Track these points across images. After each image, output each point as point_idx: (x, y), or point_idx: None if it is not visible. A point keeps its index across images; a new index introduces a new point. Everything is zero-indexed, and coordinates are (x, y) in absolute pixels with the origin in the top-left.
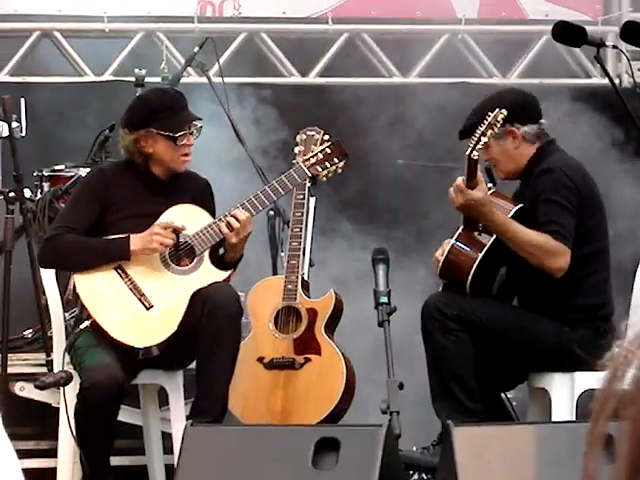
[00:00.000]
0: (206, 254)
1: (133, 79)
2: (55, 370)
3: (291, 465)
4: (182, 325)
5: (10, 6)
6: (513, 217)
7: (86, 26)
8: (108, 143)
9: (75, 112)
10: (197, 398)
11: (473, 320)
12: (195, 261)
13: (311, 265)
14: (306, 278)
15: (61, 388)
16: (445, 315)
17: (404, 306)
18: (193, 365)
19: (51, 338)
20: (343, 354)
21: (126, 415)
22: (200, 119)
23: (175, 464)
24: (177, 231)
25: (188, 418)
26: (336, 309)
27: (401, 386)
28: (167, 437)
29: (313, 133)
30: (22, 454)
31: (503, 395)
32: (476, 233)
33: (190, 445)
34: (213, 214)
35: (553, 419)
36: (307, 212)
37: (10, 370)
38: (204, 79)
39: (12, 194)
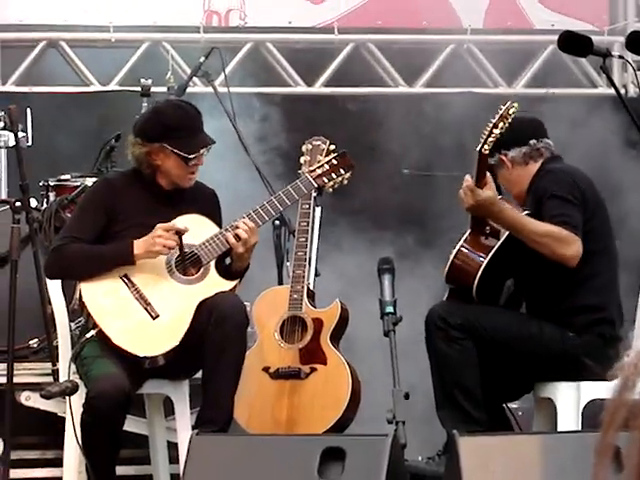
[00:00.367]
0: (212, 264)
1: (139, 89)
2: (61, 379)
3: (297, 475)
4: (188, 335)
5: (16, 16)
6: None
7: (92, 36)
8: (114, 153)
9: (81, 122)
10: (203, 407)
11: (477, 328)
12: (201, 271)
13: (317, 275)
14: (312, 288)
15: (67, 397)
16: (449, 324)
17: (410, 315)
18: (199, 375)
19: (57, 347)
20: (349, 364)
21: (132, 425)
22: (214, 142)
23: (181, 474)
24: (180, 233)
25: (194, 428)
26: (342, 319)
27: (407, 396)
28: (173, 446)
29: (319, 143)
30: (28, 463)
31: (506, 406)
32: (483, 237)
33: (196, 454)
34: (219, 224)
35: (559, 429)
36: (313, 222)
37: (16, 380)
38: (210, 89)
39: (18, 204)
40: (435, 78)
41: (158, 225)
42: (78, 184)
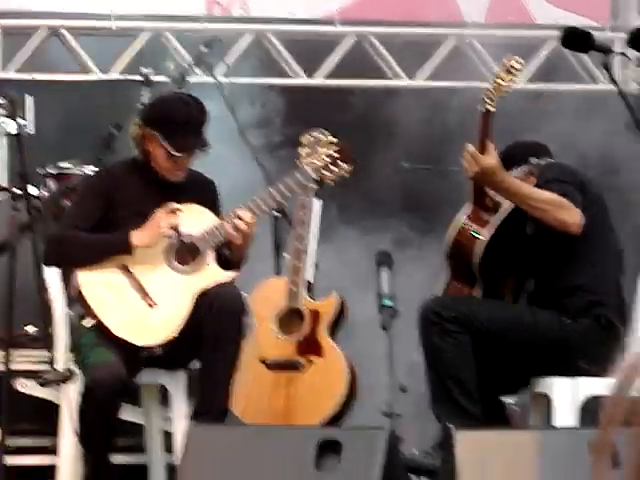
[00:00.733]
0: (211, 254)
1: (140, 78)
2: (58, 367)
3: (293, 466)
4: (186, 325)
5: (17, 2)
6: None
7: (93, 24)
8: (114, 141)
9: (82, 110)
10: (199, 398)
11: (472, 321)
12: (199, 261)
13: (316, 267)
14: (310, 280)
15: (63, 385)
16: (442, 317)
17: (409, 307)
18: (196, 364)
19: (54, 335)
20: (345, 356)
21: (128, 413)
22: (207, 146)
23: (177, 463)
24: (175, 212)
25: (190, 417)
26: (339, 312)
27: (404, 389)
28: (168, 436)
29: (319, 135)
30: (23, 451)
31: (506, 400)
32: (483, 211)
33: (192, 445)
34: (218, 215)
35: (555, 425)
36: (312, 214)
37: (13, 367)
38: (211, 79)
39: (18, 191)
40: (436, 72)
41: (157, 210)
42: (78, 172)
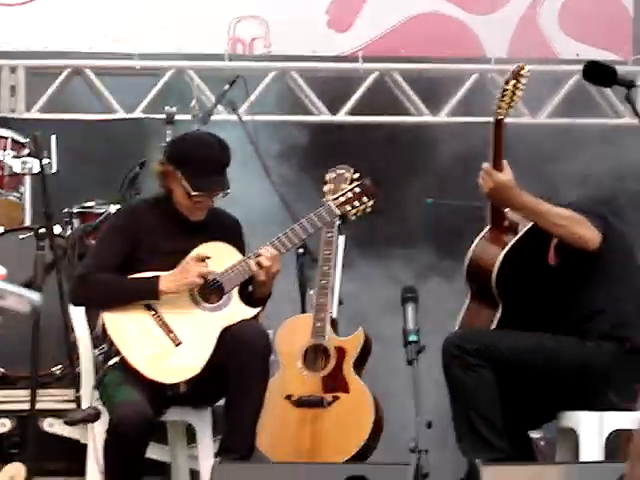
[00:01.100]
0: (235, 291)
1: (163, 116)
2: (84, 406)
3: None
4: (210, 362)
5: (41, 43)
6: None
7: (117, 63)
8: (138, 180)
9: (105, 149)
10: (225, 435)
11: (493, 352)
12: (224, 298)
13: (340, 303)
14: (334, 316)
15: (89, 424)
16: (465, 350)
17: (435, 343)
18: (222, 402)
19: (80, 374)
20: (371, 392)
21: (154, 452)
22: (226, 190)
23: None
24: (205, 261)
25: (216, 455)
26: (365, 347)
27: (429, 425)
28: (195, 474)
29: (343, 171)
30: None
31: (533, 435)
32: (501, 232)
33: None
34: (243, 252)
35: (581, 459)
36: (336, 250)
37: (39, 406)
38: (234, 117)
39: (42, 230)
40: (459, 107)
41: (187, 257)
42: (102, 211)
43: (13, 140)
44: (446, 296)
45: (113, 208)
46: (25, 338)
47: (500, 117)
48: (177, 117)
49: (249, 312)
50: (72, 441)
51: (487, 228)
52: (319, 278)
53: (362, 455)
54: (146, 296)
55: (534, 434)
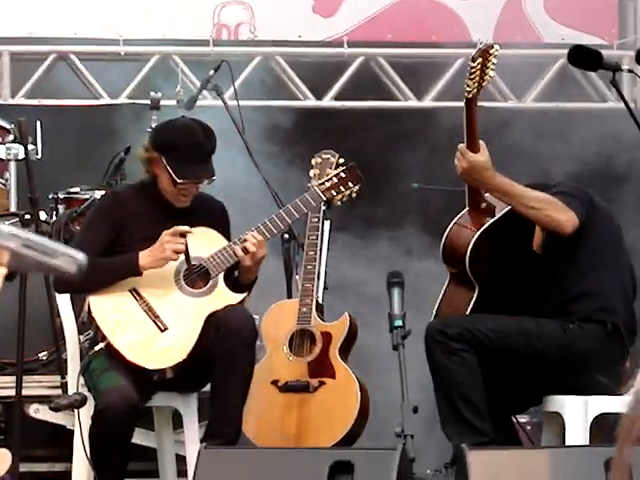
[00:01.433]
0: (220, 277)
1: (148, 102)
2: (70, 392)
3: None
4: (196, 348)
5: (26, 29)
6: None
7: (102, 49)
8: (123, 166)
9: (90, 135)
10: (211, 421)
11: (476, 335)
12: (210, 284)
13: (325, 288)
14: (320, 301)
15: (75, 410)
16: (447, 336)
17: (421, 328)
18: (208, 387)
19: (66, 360)
20: (357, 377)
21: (140, 437)
22: (211, 177)
23: None
24: (185, 235)
25: (202, 441)
26: (350, 332)
27: (415, 410)
28: (181, 460)
29: (328, 156)
30: (37, 476)
31: (514, 420)
32: (478, 214)
33: (204, 468)
34: (228, 237)
35: (567, 443)
36: (322, 235)
37: (25, 392)
38: (219, 102)
39: (27, 216)
40: (444, 92)
41: (163, 232)
42: (87, 197)
43: None
44: (435, 279)
45: (98, 194)
46: (10, 324)
47: (469, 96)
48: (162, 102)
49: (235, 297)
50: (58, 427)
51: (465, 210)
52: (305, 263)
53: (348, 440)
54: (126, 272)
55: (521, 418)
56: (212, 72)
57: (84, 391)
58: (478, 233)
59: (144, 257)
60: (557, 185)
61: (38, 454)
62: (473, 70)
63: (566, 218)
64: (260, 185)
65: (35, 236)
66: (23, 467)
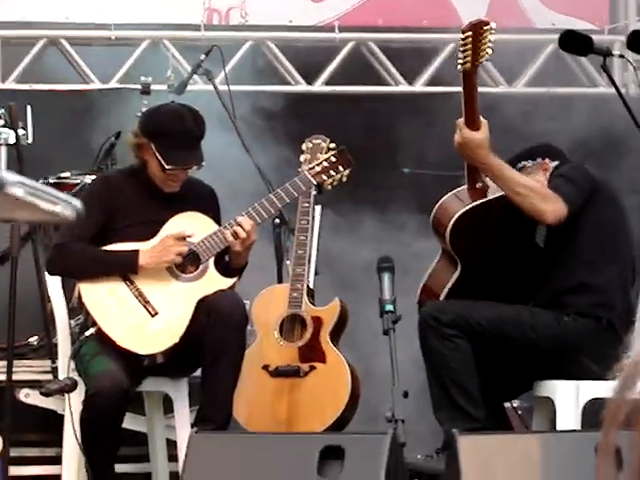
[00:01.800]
0: (211, 262)
1: (139, 87)
2: (60, 377)
3: (296, 473)
4: (187, 333)
5: (17, 13)
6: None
7: (92, 34)
8: (114, 150)
9: (81, 119)
10: (202, 406)
11: (470, 323)
12: (200, 269)
13: (316, 273)
14: (311, 286)
15: (66, 395)
16: (441, 322)
17: (410, 314)
18: (198, 372)
19: (56, 345)
20: (348, 362)
21: (131, 422)
22: (199, 164)
23: (180, 471)
24: (186, 239)
25: (193, 425)
26: (341, 317)
27: (406, 394)
28: (172, 444)
29: (319, 141)
30: (27, 461)
31: (508, 405)
32: (472, 192)
33: (195, 452)
34: (218, 222)
35: (558, 428)
36: (312, 220)
37: (15, 377)
38: (210, 87)
39: None
40: (436, 77)
41: (166, 234)
42: (78, 182)
43: None
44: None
45: (89, 179)
46: (1, 309)
47: (462, 70)
48: (153, 87)
49: (225, 282)
50: (49, 412)
51: (464, 186)
52: (295, 248)
53: (339, 425)
54: (124, 270)
55: (510, 403)
56: (203, 57)
57: (75, 376)
58: (465, 209)
59: (145, 257)
60: (563, 165)
61: (29, 439)
62: (463, 43)
63: (551, 209)
64: (251, 170)
65: (37, 183)
66: (14, 452)
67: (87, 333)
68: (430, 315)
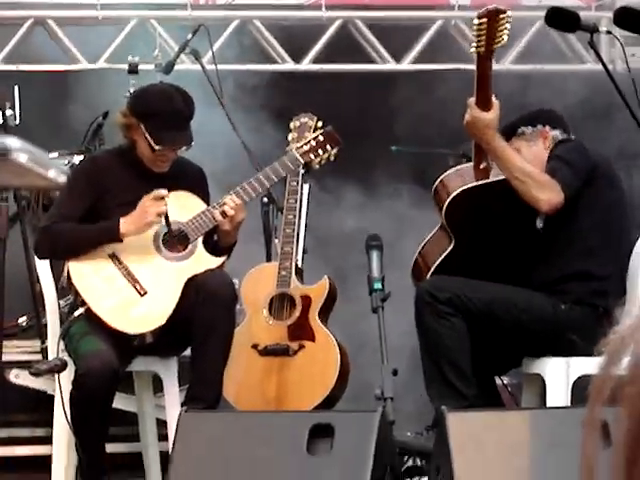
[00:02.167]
0: (199, 241)
1: (126, 66)
2: (50, 357)
3: (286, 451)
4: (176, 312)
5: None
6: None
7: (79, 13)
8: (102, 130)
9: (69, 100)
10: (191, 385)
11: (465, 303)
12: (189, 248)
13: (305, 252)
14: (300, 265)
15: (56, 375)
16: (437, 299)
17: (400, 293)
18: (188, 352)
19: (46, 325)
20: (337, 340)
21: (121, 402)
22: (189, 144)
23: (170, 451)
24: (164, 197)
25: (183, 405)
26: (330, 295)
27: (395, 372)
28: (162, 424)
29: (306, 120)
30: (18, 441)
31: (499, 380)
32: (476, 171)
33: (185, 431)
34: (207, 202)
35: (548, 405)
36: (301, 199)
37: (5, 358)
38: (197, 66)
39: None
40: (423, 55)
41: (143, 198)
42: (66, 162)
43: None
44: (412, 243)
45: (77, 159)
46: None
47: (475, 52)
48: (140, 67)
49: (214, 261)
50: (39, 392)
51: (469, 163)
52: (284, 227)
53: (328, 403)
54: (108, 239)
55: (500, 379)
56: (190, 36)
57: (64, 356)
58: (463, 187)
59: (126, 224)
60: (562, 143)
61: (18, 419)
62: (476, 28)
63: (546, 198)
64: (238, 149)
65: (33, 147)
66: (3, 432)
67: (76, 313)
68: (427, 291)
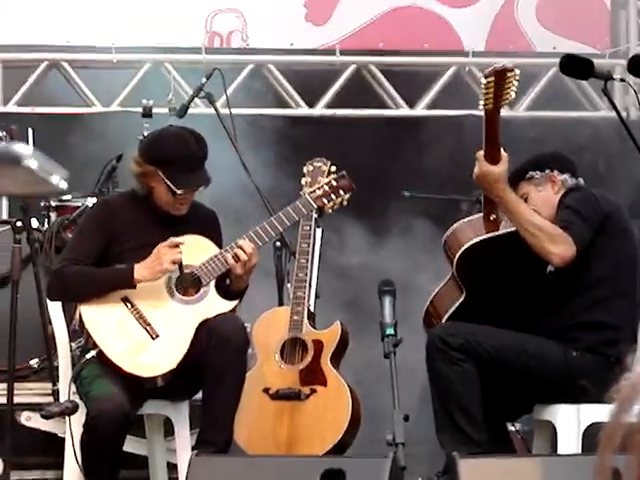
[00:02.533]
0: (212, 285)
1: (140, 110)
2: (61, 400)
3: None
4: (188, 355)
5: (18, 36)
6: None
7: (94, 57)
8: (115, 173)
9: (82, 142)
10: (203, 428)
11: (476, 348)
12: (201, 292)
13: (317, 297)
14: (312, 309)
15: (67, 418)
16: (449, 345)
17: (410, 337)
18: (199, 395)
19: (57, 368)
20: (349, 385)
21: (132, 445)
22: (208, 184)
23: None
24: (179, 246)
25: (194, 448)
26: (342, 340)
27: (406, 418)
28: (172, 467)
29: (320, 164)
30: None
31: (511, 427)
32: (486, 223)
33: (195, 475)
34: (220, 245)
35: (559, 452)
36: (313, 243)
37: (16, 400)
38: (211, 110)
39: (19, 224)
40: (437, 100)
41: (158, 245)
42: (79, 204)
43: None
44: (425, 289)
45: (90, 201)
46: (2, 331)
47: (484, 109)
48: (154, 110)
49: (226, 305)
50: (50, 435)
51: (480, 214)
52: (296, 271)
53: (340, 448)
54: (121, 285)
55: (511, 426)
56: (204, 80)
57: (75, 399)
58: (473, 241)
59: (140, 270)
60: (573, 192)
61: (29, 462)
62: (484, 86)
63: (558, 251)
64: (252, 193)
65: (39, 152)
66: (14, 475)
67: (88, 356)
68: (439, 338)
